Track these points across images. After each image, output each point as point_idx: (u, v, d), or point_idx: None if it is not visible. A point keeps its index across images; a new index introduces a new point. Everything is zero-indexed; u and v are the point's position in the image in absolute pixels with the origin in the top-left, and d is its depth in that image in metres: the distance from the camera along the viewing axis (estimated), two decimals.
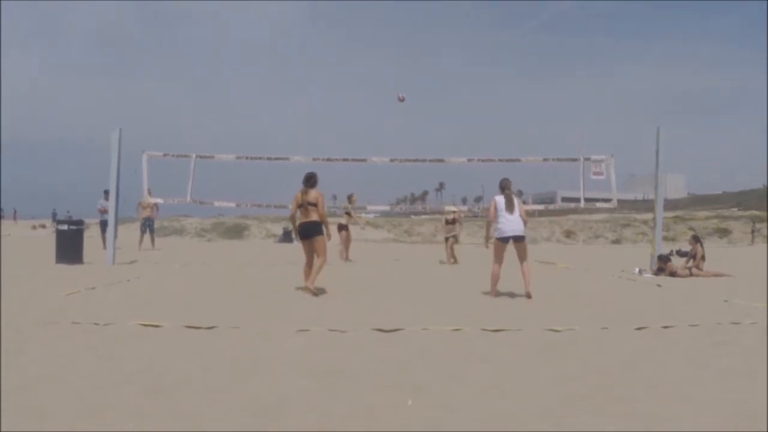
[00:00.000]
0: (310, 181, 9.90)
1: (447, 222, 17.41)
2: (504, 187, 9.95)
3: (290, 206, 10.17)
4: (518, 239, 9.70)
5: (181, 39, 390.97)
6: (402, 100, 11.65)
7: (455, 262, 16.78)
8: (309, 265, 9.95)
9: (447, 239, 17.22)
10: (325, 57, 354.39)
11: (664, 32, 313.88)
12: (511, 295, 9.72)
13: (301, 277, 10.01)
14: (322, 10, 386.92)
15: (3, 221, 51.73)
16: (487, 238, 10.53)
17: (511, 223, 9.64)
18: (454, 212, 17.72)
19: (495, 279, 9.82)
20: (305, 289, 9.68)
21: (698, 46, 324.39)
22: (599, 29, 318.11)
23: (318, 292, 9.62)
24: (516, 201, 9.84)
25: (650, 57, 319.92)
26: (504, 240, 9.71)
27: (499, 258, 9.81)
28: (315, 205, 9.75)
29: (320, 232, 9.81)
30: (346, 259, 17.23)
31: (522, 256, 9.75)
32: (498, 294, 9.74)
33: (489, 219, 10.18)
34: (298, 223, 10.05)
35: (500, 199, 9.81)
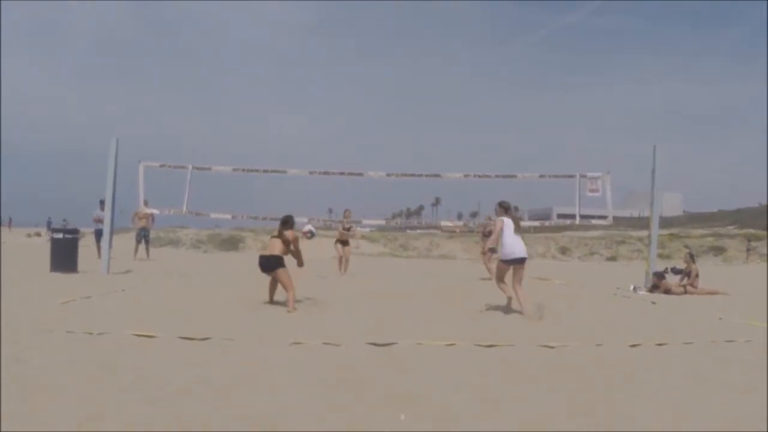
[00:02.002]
0: (285, 224, 10.24)
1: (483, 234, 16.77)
2: (508, 209, 10.06)
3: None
4: (523, 261, 9.72)
5: (181, 46, 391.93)
6: (309, 236, 11.35)
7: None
8: (270, 295, 10.23)
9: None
10: (324, 69, 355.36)
11: (664, 49, 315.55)
12: (505, 311, 9.71)
13: (297, 289, 9.97)
14: (323, 20, 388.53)
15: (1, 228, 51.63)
16: (485, 254, 11.15)
17: (519, 246, 9.65)
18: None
19: (509, 292, 9.86)
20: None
21: (697, 64, 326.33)
22: (598, 45, 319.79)
23: (293, 309, 9.49)
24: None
25: (648, 74, 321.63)
26: (511, 262, 9.67)
27: (503, 277, 9.86)
28: (287, 242, 10.01)
29: (280, 265, 9.89)
30: (344, 272, 17.23)
31: (521, 277, 9.74)
32: (501, 308, 9.90)
33: (494, 239, 10.15)
34: (260, 254, 10.39)
35: (508, 222, 9.82)
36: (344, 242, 17.55)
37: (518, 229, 9.80)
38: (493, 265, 13.36)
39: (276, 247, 9.95)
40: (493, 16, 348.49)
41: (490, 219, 12.07)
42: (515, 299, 9.69)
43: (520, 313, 9.42)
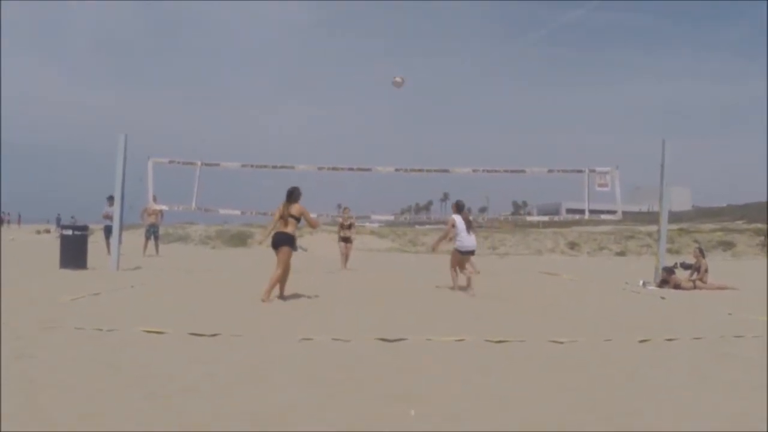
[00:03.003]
0: (293, 195, 10.16)
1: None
2: (462, 208, 12.21)
3: (274, 215, 10.44)
4: (472, 253, 12.19)
5: (186, 44, 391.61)
6: (399, 84, 11.30)
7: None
8: (276, 271, 10.08)
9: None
10: (330, 65, 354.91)
11: (672, 45, 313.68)
12: (515, 307, 9.71)
13: (306, 284, 10.00)
14: (329, 18, 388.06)
15: (8, 225, 51.83)
16: (437, 245, 13.66)
17: (470, 240, 11.95)
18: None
19: (456, 278, 12.06)
20: (267, 297, 9.74)
21: (705, 59, 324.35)
22: (606, 41, 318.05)
23: (283, 299, 9.96)
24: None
25: (657, 69, 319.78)
26: (464, 252, 11.96)
27: (457, 265, 12.07)
28: (297, 218, 10.03)
29: (288, 244, 9.99)
30: (344, 267, 17.61)
31: (471, 263, 12.36)
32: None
33: (447, 233, 12.30)
34: (273, 232, 10.21)
35: (459, 220, 11.89)
36: (346, 239, 17.98)
37: (470, 227, 11.96)
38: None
39: (288, 226, 9.98)
40: (498, 14, 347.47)
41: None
42: (463, 281, 11.88)
43: (466, 290, 11.53)
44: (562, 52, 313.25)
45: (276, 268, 9.91)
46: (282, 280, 10.06)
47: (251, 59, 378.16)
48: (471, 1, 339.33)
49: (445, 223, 20.89)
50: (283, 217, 10.00)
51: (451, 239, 12.26)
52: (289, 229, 9.98)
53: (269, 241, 10.22)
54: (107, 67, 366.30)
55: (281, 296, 10.07)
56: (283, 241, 9.94)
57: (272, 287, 9.84)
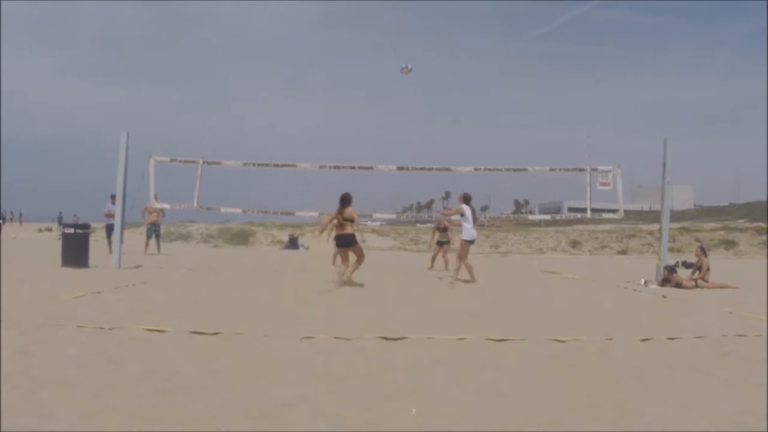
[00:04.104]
0: (346, 200, 12.17)
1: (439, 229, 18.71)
2: (469, 200, 12.81)
3: (326, 218, 12.80)
4: (474, 242, 12.98)
5: (189, 41, 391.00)
6: (407, 71, 12.00)
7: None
8: (344, 264, 12.45)
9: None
10: (332, 62, 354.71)
11: (674, 43, 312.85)
12: (516, 305, 9.71)
13: (307, 283, 10.01)
14: (332, 16, 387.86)
15: (10, 223, 51.86)
16: (447, 214, 14.74)
17: (474, 231, 12.80)
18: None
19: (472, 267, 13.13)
20: (341, 280, 12.08)
21: (708, 57, 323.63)
22: (608, 38, 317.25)
23: (354, 284, 12.00)
24: None
25: (658, 67, 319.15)
26: (471, 242, 12.83)
27: (467, 254, 12.98)
28: (351, 220, 12.03)
29: (355, 242, 12.29)
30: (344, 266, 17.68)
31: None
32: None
33: (454, 212, 13.06)
34: (334, 234, 12.38)
35: (468, 211, 12.65)
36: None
37: (476, 219, 12.90)
38: (450, 256, 17.51)
39: (347, 227, 12.04)
40: (500, 11, 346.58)
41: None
42: (465, 270, 13.03)
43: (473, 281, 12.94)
44: (563, 49, 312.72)
45: (356, 259, 12.30)
46: (353, 267, 12.32)
47: (259, 54, 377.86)
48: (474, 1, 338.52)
49: (447, 221, 21.03)
50: (343, 220, 12.03)
51: (456, 226, 13.03)
52: (349, 230, 12.09)
53: (329, 237, 12.72)
54: (112, 63, 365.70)
55: (350, 281, 12.14)
56: (348, 242, 12.17)
57: (353, 271, 12.31)
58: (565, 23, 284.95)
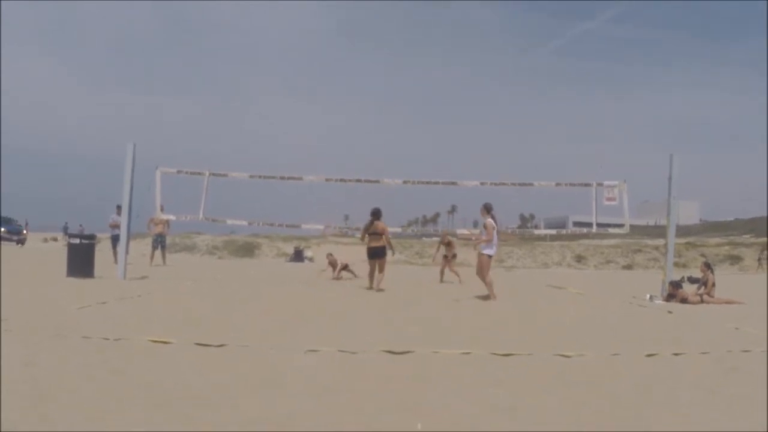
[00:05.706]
0: (376, 215, 13.88)
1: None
2: (490, 209, 12.24)
3: (360, 230, 14.51)
4: None
5: (198, 50, 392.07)
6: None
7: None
8: (372, 275, 14.08)
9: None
10: (339, 75, 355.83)
11: (682, 58, 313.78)
12: (522, 320, 9.69)
13: (312, 296, 10.01)
14: (340, 28, 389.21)
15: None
16: (477, 243, 13.25)
17: (495, 245, 12.27)
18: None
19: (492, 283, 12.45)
20: (372, 288, 13.90)
21: (716, 73, 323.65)
22: (616, 53, 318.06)
23: (379, 290, 13.73)
24: None
25: (666, 82, 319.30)
26: (493, 255, 12.34)
27: (489, 269, 12.35)
28: (381, 234, 13.75)
29: (385, 255, 14.03)
30: (336, 278, 18.37)
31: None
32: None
33: (488, 237, 12.16)
34: (368, 245, 14.06)
35: (493, 223, 12.07)
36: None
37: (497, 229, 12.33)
38: (459, 269, 18.11)
39: (380, 240, 13.76)
40: (511, 25, 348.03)
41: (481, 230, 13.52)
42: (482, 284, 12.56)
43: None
44: (573, 64, 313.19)
45: (378, 271, 13.96)
46: (380, 278, 13.90)
47: (267, 63, 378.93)
48: (485, 12, 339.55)
49: (452, 235, 21.05)
50: (371, 234, 13.80)
51: (486, 242, 12.23)
52: (381, 243, 13.81)
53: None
54: (120, 72, 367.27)
55: (378, 288, 13.85)
56: (381, 254, 13.99)
57: (380, 282, 13.95)
58: (573, 39, 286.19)
